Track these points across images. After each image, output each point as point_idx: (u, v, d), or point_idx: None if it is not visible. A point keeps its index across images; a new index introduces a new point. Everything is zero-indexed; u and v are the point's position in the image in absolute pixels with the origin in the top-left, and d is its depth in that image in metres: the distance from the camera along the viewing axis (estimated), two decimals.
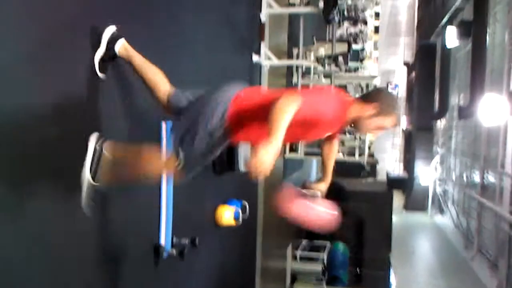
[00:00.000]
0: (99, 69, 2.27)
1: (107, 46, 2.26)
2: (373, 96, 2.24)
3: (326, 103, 2.13)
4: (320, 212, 2.23)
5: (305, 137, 2.22)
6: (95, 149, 2.14)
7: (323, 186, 2.42)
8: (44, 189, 1.98)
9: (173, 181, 2.17)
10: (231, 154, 4.32)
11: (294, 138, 2.29)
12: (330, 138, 2.46)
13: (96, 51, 2.25)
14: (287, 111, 1.89)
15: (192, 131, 2.15)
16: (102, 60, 2.28)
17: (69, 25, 2.08)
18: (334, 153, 2.50)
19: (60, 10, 2.01)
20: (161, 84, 2.30)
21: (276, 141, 1.80)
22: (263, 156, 1.74)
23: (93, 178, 2.14)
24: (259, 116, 2.07)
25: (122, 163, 2.21)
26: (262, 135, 1.90)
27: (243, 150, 4.48)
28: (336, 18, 5.94)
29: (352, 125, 2.28)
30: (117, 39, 2.27)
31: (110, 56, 2.29)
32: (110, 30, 2.26)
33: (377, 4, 24.44)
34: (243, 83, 2.33)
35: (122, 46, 2.28)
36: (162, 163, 2.21)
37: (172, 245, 3.23)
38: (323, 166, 2.52)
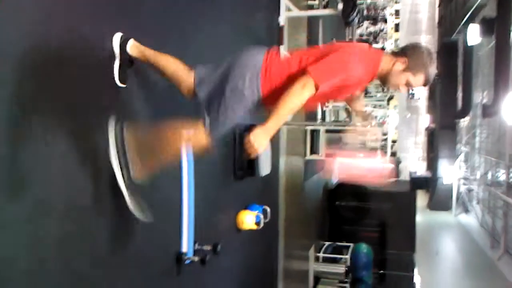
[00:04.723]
0: (119, 79, 2.30)
1: (120, 52, 2.29)
2: (406, 50, 2.16)
3: (352, 66, 2.04)
4: (368, 167, 2.28)
5: (335, 98, 2.26)
6: (115, 136, 2.08)
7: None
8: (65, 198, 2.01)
9: (201, 152, 2.15)
10: (251, 159, 4.32)
11: (324, 100, 2.35)
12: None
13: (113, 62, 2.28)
14: (296, 101, 1.95)
15: (219, 96, 2.12)
16: (120, 68, 2.30)
17: (80, 38, 2.12)
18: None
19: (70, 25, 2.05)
20: (180, 67, 2.28)
21: (274, 126, 1.93)
22: (258, 138, 1.89)
23: (129, 176, 2.11)
24: (288, 81, 2.04)
25: (150, 147, 2.17)
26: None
27: (264, 155, 4.48)
28: (356, 20, 5.90)
29: (381, 80, 2.21)
30: (127, 42, 2.30)
31: (126, 60, 2.32)
32: (117, 36, 2.29)
33: (397, 2, 24.15)
34: (265, 46, 2.25)
35: (132, 46, 2.30)
36: (189, 132, 2.14)
37: (194, 252, 3.24)
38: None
